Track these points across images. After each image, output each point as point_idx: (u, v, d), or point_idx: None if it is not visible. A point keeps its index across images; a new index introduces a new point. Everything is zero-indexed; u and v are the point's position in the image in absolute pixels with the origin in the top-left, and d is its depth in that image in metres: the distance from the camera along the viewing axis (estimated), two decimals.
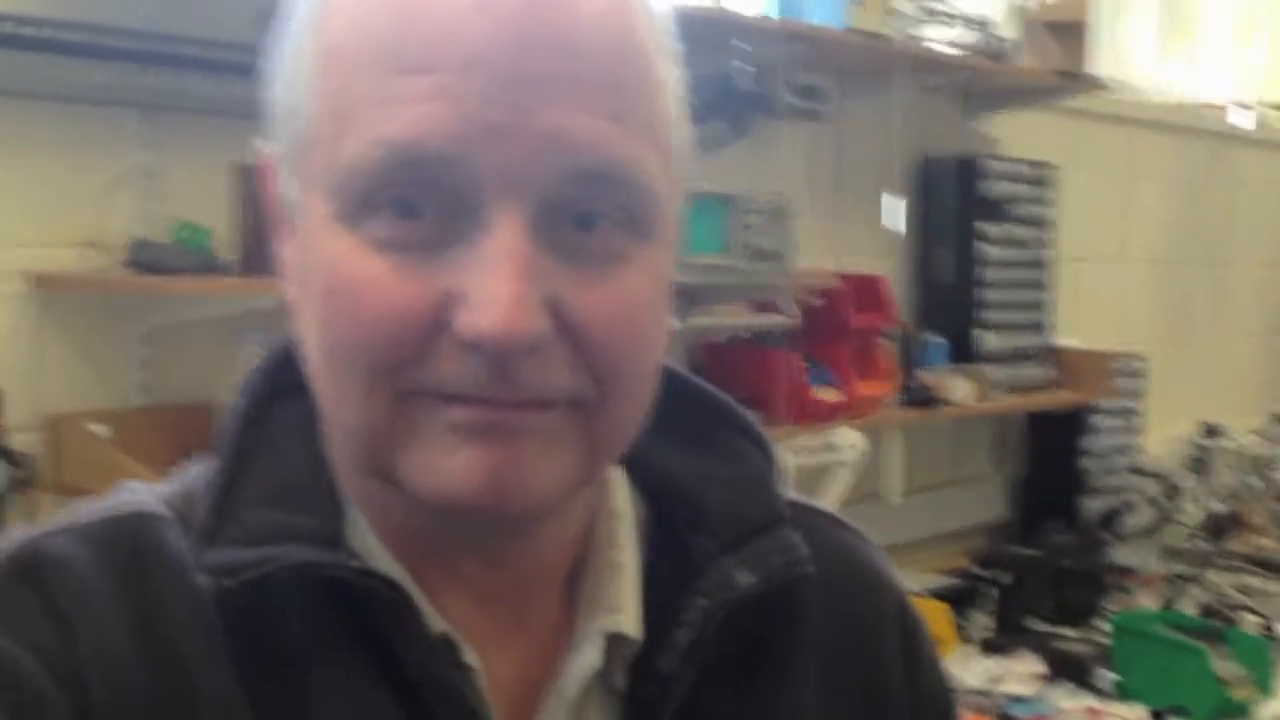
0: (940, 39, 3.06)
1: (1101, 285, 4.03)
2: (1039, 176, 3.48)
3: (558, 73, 0.60)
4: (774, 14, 2.70)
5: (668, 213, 0.65)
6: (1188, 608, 3.05)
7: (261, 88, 0.68)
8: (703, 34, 2.55)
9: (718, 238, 2.39)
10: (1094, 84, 3.48)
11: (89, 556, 0.66)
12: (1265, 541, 3.69)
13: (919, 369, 3.14)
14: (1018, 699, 2.54)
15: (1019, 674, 2.61)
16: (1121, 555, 3.36)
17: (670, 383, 0.72)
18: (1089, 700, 2.55)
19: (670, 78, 0.66)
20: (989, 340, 3.33)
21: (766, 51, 2.55)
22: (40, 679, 0.62)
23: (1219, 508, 3.74)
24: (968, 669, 2.62)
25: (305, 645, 0.66)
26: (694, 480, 0.75)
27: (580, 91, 0.60)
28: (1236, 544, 3.60)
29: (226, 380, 0.71)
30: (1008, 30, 3.22)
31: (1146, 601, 3.10)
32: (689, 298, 2.38)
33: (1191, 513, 3.71)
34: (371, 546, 0.68)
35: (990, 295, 3.35)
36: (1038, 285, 3.50)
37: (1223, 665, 2.56)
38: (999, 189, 3.36)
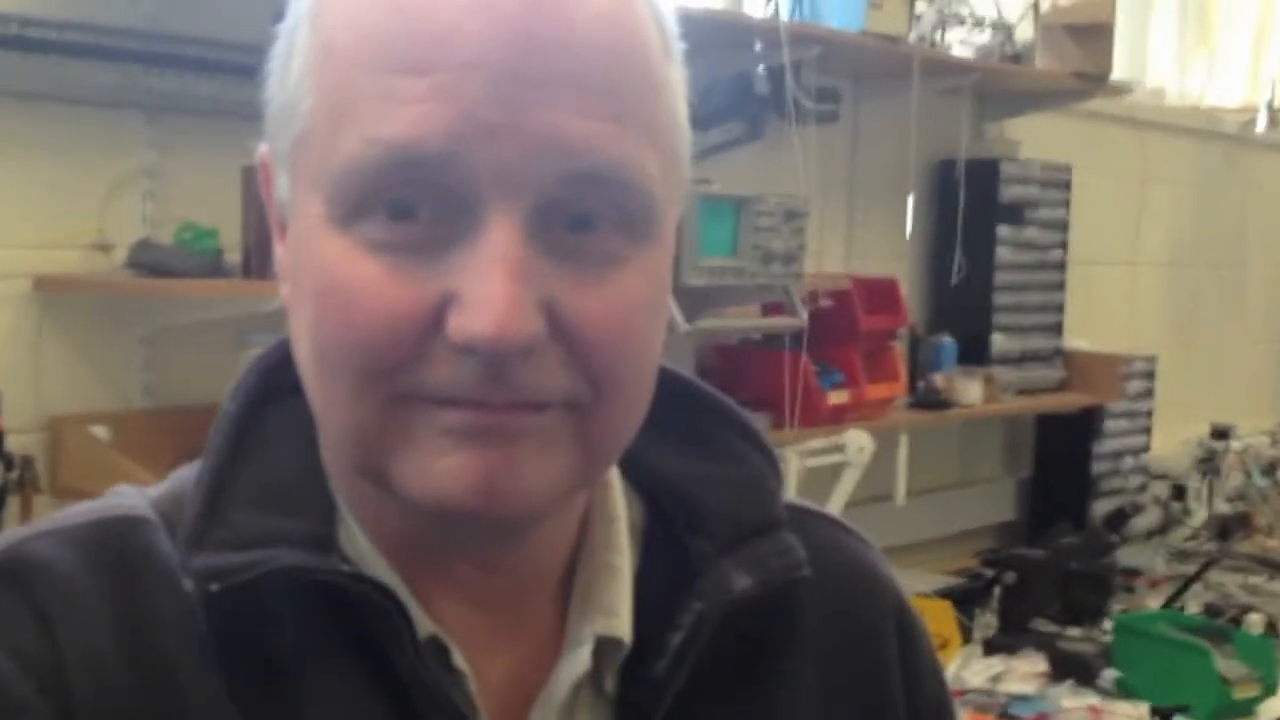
0: (957, 42, 3.08)
1: (1113, 288, 4.03)
2: (1054, 179, 3.48)
3: (557, 73, 0.59)
4: (791, 16, 2.71)
5: (667, 215, 0.65)
6: (1193, 607, 3.06)
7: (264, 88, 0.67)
8: (719, 36, 2.58)
9: (729, 240, 2.40)
10: (1113, 87, 3.46)
11: (74, 559, 0.65)
12: (1272, 543, 3.68)
13: (930, 371, 3.16)
14: (1020, 697, 2.53)
15: (1022, 673, 2.61)
16: (1128, 557, 3.36)
17: (668, 384, 0.72)
18: (1091, 699, 2.56)
19: (674, 79, 0.65)
20: (1000, 342, 3.34)
21: (782, 54, 2.57)
22: (21, 686, 0.61)
23: (1226, 509, 3.76)
24: (970, 668, 2.63)
25: (295, 649, 0.65)
26: (692, 482, 0.74)
27: (579, 92, 0.60)
28: (1244, 545, 3.61)
29: (229, 384, 0.73)
30: (1024, 33, 3.23)
31: (1153, 603, 3.10)
32: (700, 299, 2.39)
33: (1199, 514, 3.72)
34: (364, 550, 0.67)
35: (1003, 298, 3.36)
36: (1051, 287, 3.50)
37: (1226, 664, 2.56)
38: (1014, 192, 3.36)
